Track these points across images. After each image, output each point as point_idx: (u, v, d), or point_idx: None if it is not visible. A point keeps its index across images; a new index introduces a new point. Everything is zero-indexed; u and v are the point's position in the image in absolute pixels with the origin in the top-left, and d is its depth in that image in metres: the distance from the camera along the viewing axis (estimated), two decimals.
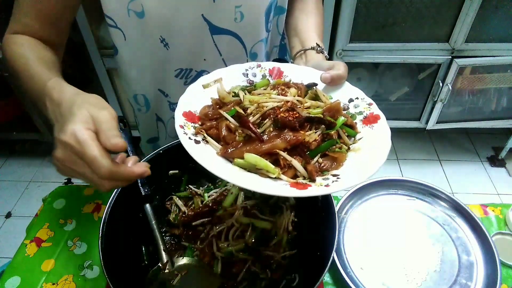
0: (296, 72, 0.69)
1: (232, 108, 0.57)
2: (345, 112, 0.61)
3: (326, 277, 0.80)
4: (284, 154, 0.51)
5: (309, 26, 0.80)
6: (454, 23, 1.66)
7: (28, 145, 2.38)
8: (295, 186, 0.48)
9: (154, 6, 0.69)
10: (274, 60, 0.91)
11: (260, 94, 0.61)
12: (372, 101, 0.60)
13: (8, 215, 2.02)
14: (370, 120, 0.58)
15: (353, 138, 0.57)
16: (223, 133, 0.55)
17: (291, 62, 0.80)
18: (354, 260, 0.80)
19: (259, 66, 0.69)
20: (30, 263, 0.82)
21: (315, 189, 0.47)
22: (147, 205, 0.74)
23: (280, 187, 0.47)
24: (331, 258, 0.62)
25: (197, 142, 0.53)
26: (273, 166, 0.50)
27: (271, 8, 0.76)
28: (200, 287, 0.72)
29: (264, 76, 0.69)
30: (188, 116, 0.58)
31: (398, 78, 1.99)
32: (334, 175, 0.51)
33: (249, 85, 0.67)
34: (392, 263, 0.80)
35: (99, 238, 0.65)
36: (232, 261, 0.72)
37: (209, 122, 0.57)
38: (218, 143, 0.55)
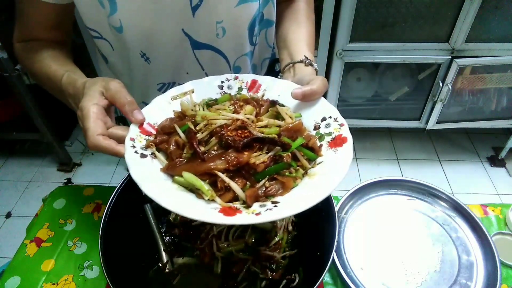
0: (276, 86, 0.65)
1: (187, 122, 0.55)
2: (314, 132, 0.58)
3: (326, 277, 0.80)
4: (222, 176, 0.49)
5: (299, 37, 0.77)
6: (454, 23, 1.66)
7: (28, 145, 2.38)
8: (224, 211, 0.45)
9: (132, 21, 0.67)
10: (266, 73, 0.90)
11: (218, 109, 0.59)
12: (344, 122, 0.55)
13: (8, 215, 2.02)
14: (336, 142, 0.54)
15: (313, 162, 0.54)
16: (171, 148, 0.53)
17: (280, 76, 0.77)
18: (354, 260, 0.80)
19: (236, 78, 0.67)
20: (30, 263, 0.82)
21: (243, 217, 0.44)
22: (147, 205, 0.74)
23: (207, 212, 0.45)
24: (331, 258, 0.62)
25: (143, 156, 0.52)
26: (207, 188, 0.48)
27: (255, 23, 0.74)
28: (200, 287, 0.72)
29: (240, 89, 0.67)
30: (145, 128, 0.57)
31: (398, 78, 1.98)
32: (273, 202, 0.48)
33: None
34: (392, 263, 0.80)
35: (99, 238, 0.65)
36: (232, 261, 0.72)
37: (162, 136, 0.56)
38: (167, 159, 0.54)
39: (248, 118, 0.55)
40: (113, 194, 0.71)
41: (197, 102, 0.63)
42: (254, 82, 0.67)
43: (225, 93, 0.66)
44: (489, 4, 1.58)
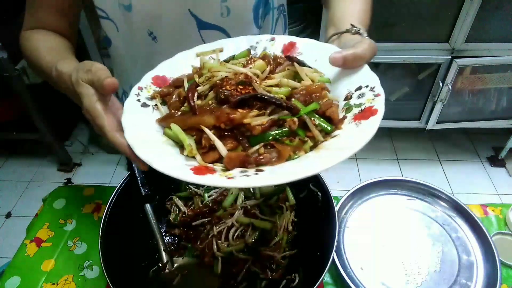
0: (314, 50, 0.56)
1: (194, 75, 0.52)
2: (344, 102, 0.49)
3: (326, 277, 0.80)
4: (208, 132, 0.44)
5: (348, 12, 0.65)
6: (454, 23, 1.65)
7: (28, 145, 2.38)
8: (195, 170, 0.41)
9: (141, 0, 0.68)
10: None
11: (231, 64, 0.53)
12: (381, 93, 0.46)
13: (8, 215, 2.02)
14: (364, 115, 0.44)
15: (329, 135, 0.46)
16: (172, 100, 0.51)
17: None
18: (354, 260, 0.80)
19: (272, 39, 0.60)
20: (30, 263, 0.82)
21: (210, 178, 0.39)
22: (147, 205, 0.74)
23: (175, 166, 0.41)
24: (331, 258, 0.62)
25: (145, 105, 0.50)
26: (188, 142, 0.44)
27: (259, 4, 0.74)
28: (200, 287, 0.72)
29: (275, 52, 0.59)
30: (158, 80, 0.54)
31: (398, 78, 1.98)
32: (258, 170, 0.42)
33: None
34: (392, 263, 0.80)
35: (99, 238, 0.65)
36: (232, 261, 0.72)
37: (170, 89, 0.53)
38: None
39: (252, 73, 0.48)
40: (113, 194, 0.71)
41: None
42: (291, 44, 0.59)
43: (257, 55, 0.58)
44: (489, 4, 1.58)
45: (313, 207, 0.75)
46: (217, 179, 0.39)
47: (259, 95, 0.45)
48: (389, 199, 0.93)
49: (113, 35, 0.77)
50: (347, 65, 0.50)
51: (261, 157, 0.43)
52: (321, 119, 0.46)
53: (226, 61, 0.57)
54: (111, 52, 0.82)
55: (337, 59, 0.49)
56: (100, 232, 0.65)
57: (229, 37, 0.75)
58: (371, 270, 0.79)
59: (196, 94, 0.49)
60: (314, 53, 0.56)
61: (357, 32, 0.58)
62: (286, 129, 0.44)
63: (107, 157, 2.34)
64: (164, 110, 0.52)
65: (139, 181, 0.72)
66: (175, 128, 0.45)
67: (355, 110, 0.46)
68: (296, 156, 0.43)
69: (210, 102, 0.48)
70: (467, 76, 1.86)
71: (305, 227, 0.78)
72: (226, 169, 0.42)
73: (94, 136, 2.40)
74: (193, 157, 0.44)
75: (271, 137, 0.43)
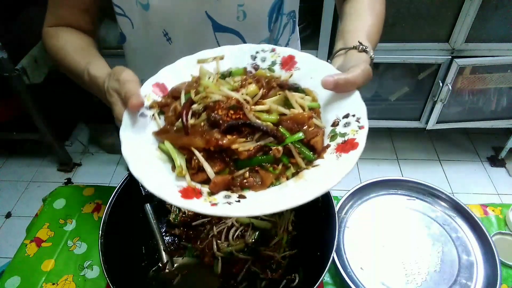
0: (311, 67, 0.57)
1: (190, 90, 0.53)
2: (331, 128, 0.50)
3: (326, 277, 0.80)
4: (197, 154, 0.46)
5: (357, 27, 0.66)
6: (454, 23, 1.66)
7: (28, 145, 2.38)
8: (183, 192, 0.43)
9: (159, 0, 0.69)
10: None
11: (226, 83, 0.54)
12: (366, 125, 0.47)
13: (8, 215, 2.02)
14: (345, 147, 0.46)
15: (311, 163, 0.48)
16: (169, 114, 0.52)
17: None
18: (354, 260, 0.80)
19: (273, 50, 0.61)
20: (30, 263, 0.82)
21: (194, 204, 0.42)
22: (147, 205, 0.74)
23: (164, 187, 0.43)
24: (331, 258, 0.62)
25: (143, 115, 0.51)
26: (179, 162, 0.46)
27: (274, 9, 0.76)
28: (200, 287, 0.72)
29: (273, 63, 0.60)
30: (159, 87, 0.55)
31: (398, 78, 1.98)
32: (241, 196, 0.44)
33: (254, 70, 0.60)
34: (392, 263, 0.80)
35: (99, 238, 0.65)
36: (232, 261, 0.72)
37: (169, 99, 0.54)
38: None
39: (244, 99, 0.50)
40: (113, 194, 0.71)
41: (220, 70, 0.60)
42: (290, 58, 0.60)
43: (256, 65, 0.60)
44: (489, 4, 1.58)
45: (313, 207, 0.75)
46: (201, 205, 0.42)
47: (248, 122, 0.47)
48: (389, 199, 0.93)
49: (128, 32, 0.78)
50: (338, 90, 0.51)
51: (245, 180, 0.46)
52: (305, 147, 0.48)
53: (224, 75, 0.58)
54: (125, 48, 0.83)
55: (329, 83, 0.50)
56: (100, 232, 0.65)
57: (244, 41, 0.76)
58: (371, 270, 0.79)
59: (190, 112, 0.50)
60: (311, 70, 0.57)
61: (364, 50, 0.58)
62: (269, 156, 0.47)
63: (107, 157, 2.34)
64: (161, 121, 0.53)
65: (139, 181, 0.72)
66: (169, 146, 0.48)
67: (339, 140, 0.48)
68: (278, 182, 0.46)
69: (202, 123, 0.49)
70: (467, 76, 1.86)
71: (305, 227, 0.78)
72: (211, 192, 0.45)
73: (94, 136, 2.40)
74: (183, 177, 0.46)
75: (256, 163, 0.46)
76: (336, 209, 0.69)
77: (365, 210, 0.91)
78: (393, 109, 2.08)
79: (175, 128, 0.51)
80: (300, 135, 0.47)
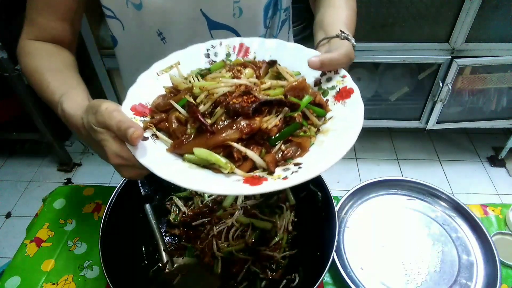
0: (265, 47, 0.62)
1: (183, 96, 0.52)
2: (316, 87, 0.56)
3: (326, 277, 0.80)
4: (237, 146, 0.46)
5: (337, 18, 0.69)
6: (454, 23, 1.65)
7: (28, 145, 2.38)
8: (249, 181, 0.43)
9: None
10: None
11: (214, 78, 0.55)
12: (346, 74, 0.54)
13: (8, 215, 2.02)
14: (343, 95, 0.52)
15: (323, 118, 0.52)
16: (173, 126, 0.50)
17: None
18: (354, 260, 0.80)
19: (221, 44, 0.63)
20: (30, 263, 0.82)
21: (270, 184, 0.42)
22: (147, 205, 0.74)
23: (231, 185, 0.43)
24: (331, 258, 0.62)
25: (145, 138, 0.49)
26: (224, 161, 0.45)
27: (270, 4, 0.75)
28: (200, 287, 0.72)
29: (228, 55, 0.63)
30: (138, 109, 0.53)
31: (398, 78, 1.98)
32: (296, 164, 0.46)
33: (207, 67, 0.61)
34: (392, 263, 0.80)
35: (99, 238, 0.65)
36: (232, 261, 0.72)
37: (159, 115, 0.52)
38: (170, 138, 0.51)
39: (251, 82, 0.52)
40: (113, 194, 0.71)
41: (186, 74, 0.60)
42: (241, 45, 0.63)
43: (213, 61, 0.62)
44: (489, 4, 1.58)
45: (313, 207, 0.75)
46: (276, 183, 0.42)
47: (267, 100, 0.49)
48: (389, 199, 0.93)
49: (119, 34, 0.77)
50: (324, 69, 0.55)
51: (285, 152, 0.47)
52: (314, 107, 0.51)
53: (203, 75, 0.57)
54: (117, 51, 0.82)
55: (315, 63, 0.54)
56: (100, 232, 0.65)
57: (239, 36, 0.75)
58: (371, 270, 0.79)
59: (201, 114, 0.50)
60: (266, 50, 0.62)
61: (346, 38, 0.62)
62: (296, 123, 0.49)
63: None
64: (164, 138, 0.51)
65: (139, 181, 0.72)
66: (200, 152, 0.46)
67: (332, 92, 0.53)
68: (312, 143, 0.49)
69: (223, 117, 0.49)
70: (467, 76, 1.86)
71: (305, 227, 0.78)
72: (269, 172, 0.45)
73: None
74: (232, 173, 0.46)
75: (287, 134, 0.48)
76: (336, 209, 0.69)
77: (365, 210, 0.91)
78: (393, 109, 2.08)
79: (189, 135, 0.49)
80: (308, 98, 0.51)
